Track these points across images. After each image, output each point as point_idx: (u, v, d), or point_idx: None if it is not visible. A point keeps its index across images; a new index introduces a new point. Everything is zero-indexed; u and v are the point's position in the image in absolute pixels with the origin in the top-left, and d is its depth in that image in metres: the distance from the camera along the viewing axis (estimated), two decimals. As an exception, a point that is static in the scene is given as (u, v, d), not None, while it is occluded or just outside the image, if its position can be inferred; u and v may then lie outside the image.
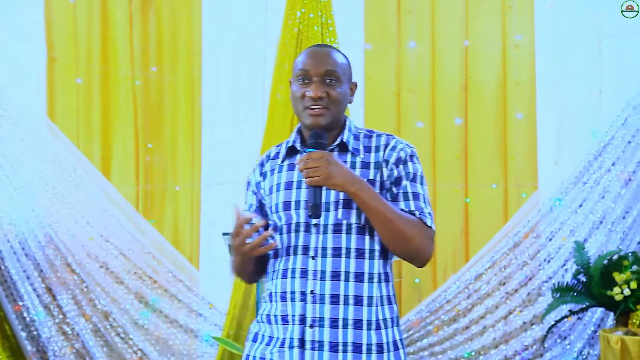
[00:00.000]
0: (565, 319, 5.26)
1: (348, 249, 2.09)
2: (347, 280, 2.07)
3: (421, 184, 2.18)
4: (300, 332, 2.07)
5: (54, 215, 5.40)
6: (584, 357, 5.33)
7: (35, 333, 5.31)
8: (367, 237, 2.10)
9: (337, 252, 2.08)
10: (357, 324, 2.06)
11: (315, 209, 2.01)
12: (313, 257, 2.09)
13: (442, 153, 5.96)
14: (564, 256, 5.44)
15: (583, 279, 4.98)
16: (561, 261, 5.45)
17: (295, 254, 2.10)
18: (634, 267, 4.78)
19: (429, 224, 2.12)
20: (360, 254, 2.10)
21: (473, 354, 5.52)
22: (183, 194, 6.02)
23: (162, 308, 5.60)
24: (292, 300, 2.08)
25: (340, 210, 2.10)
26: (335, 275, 2.07)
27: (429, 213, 2.14)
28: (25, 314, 5.28)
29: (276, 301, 2.12)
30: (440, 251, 5.92)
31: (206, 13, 5.95)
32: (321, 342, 2.05)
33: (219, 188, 5.82)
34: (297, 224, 2.12)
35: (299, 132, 2.24)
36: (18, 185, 5.30)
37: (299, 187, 2.14)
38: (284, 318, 2.09)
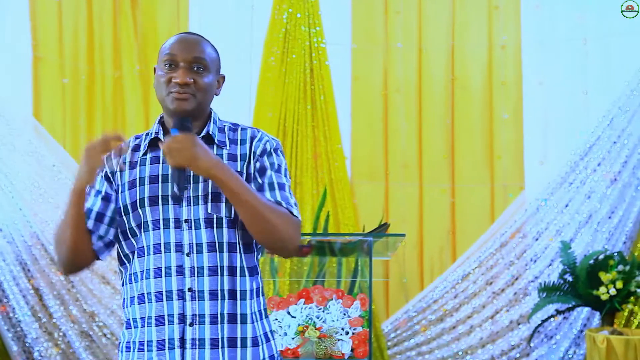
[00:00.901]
0: (552, 319, 5.28)
1: (221, 243, 2.04)
2: (222, 274, 2.03)
3: (285, 175, 2.15)
4: (180, 331, 2.00)
5: (40, 215, 5.38)
6: (570, 356, 5.36)
7: (21, 333, 5.28)
8: (237, 230, 2.06)
9: (212, 247, 2.03)
10: (234, 318, 2.03)
11: (179, 191, 1.96)
12: (188, 254, 2.02)
13: (429, 153, 5.98)
14: (550, 256, 5.47)
15: (569, 278, 5.00)
16: (547, 261, 5.48)
17: (168, 251, 2.02)
18: (620, 267, 4.81)
19: (295, 214, 2.08)
20: (232, 247, 2.06)
21: (460, 353, 5.54)
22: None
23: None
24: (169, 299, 2.00)
25: (209, 204, 2.04)
26: (213, 271, 2.02)
27: (295, 203, 2.12)
28: (11, 315, 5.24)
29: (150, 302, 2.02)
30: (427, 251, 5.93)
31: (193, 12, 5.93)
32: (202, 340, 2.00)
33: (206, 187, 5.80)
34: (166, 220, 2.04)
35: (161, 123, 2.16)
36: (4, 184, 5.26)
37: (165, 182, 2.06)
38: (160, 319, 2.00)
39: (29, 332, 5.26)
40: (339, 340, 3.68)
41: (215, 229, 2.04)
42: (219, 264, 2.03)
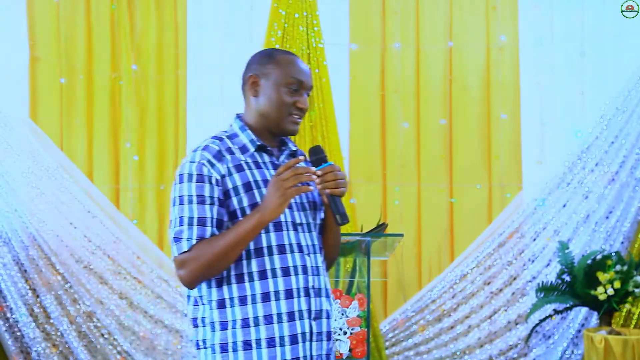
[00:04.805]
0: (549, 319, 5.29)
1: (319, 246, 2.28)
2: (325, 274, 2.27)
3: None
4: (309, 326, 2.15)
5: (37, 215, 5.37)
6: (568, 356, 5.37)
7: (18, 334, 5.27)
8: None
9: (319, 249, 2.26)
10: (331, 314, 2.26)
11: (346, 217, 2.16)
12: (308, 254, 2.19)
13: (427, 153, 5.98)
14: (548, 256, 5.47)
15: (567, 278, 5.01)
16: (545, 261, 5.48)
17: (293, 251, 2.16)
18: (618, 267, 4.81)
19: None
20: (320, 250, 2.29)
21: (458, 353, 5.54)
22: (168, 194, 5.97)
23: (147, 308, 5.57)
24: (299, 296, 2.14)
25: (308, 211, 2.26)
26: (323, 270, 2.25)
27: None
28: (8, 315, 5.24)
29: (278, 299, 2.12)
30: (426, 251, 5.93)
31: (191, 12, 5.92)
32: (320, 333, 2.19)
33: (203, 188, 5.79)
34: (286, 222, 2.17)
35: (250, 130, 2.26)
36: (1, 185, 5.26)
37: None
38: (291, 315, 2.12)
39: (27, 332, 5.25)
40: (337, 340, 3.68)
41: (314, 233, 2.27)
42: (321, 265, 2.26)
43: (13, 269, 5.25)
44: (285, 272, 2.13)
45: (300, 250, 2.17)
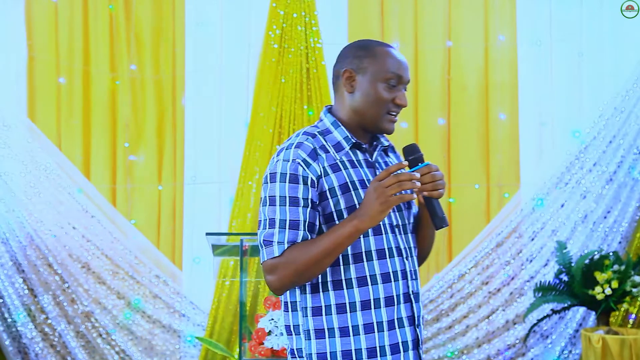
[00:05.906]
0: (547, 318, 5.28)
1: (414, 246, 2.16)
2: (419, 277, 2.13)
3: None
4: (412, 333, 2.03)
5: (34, 215, 5.37)
6: (566, 356, 5.37)
7: (16, 334, 5.27)
8: None
9: (415, 252, 2.14)
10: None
11: (444, 220, 2.02)
12: (407, 258, 2.06)
13: (425, 153, 5.79)
14: (546, 256, 5.47)
15: (565, 278, 5.01)
16: (543, 261, 5.48)
17: (392, 256, 2.02)
18: (615, 267, 4.81)
19: None
20: (415, 250, 2.16)
21: (456, 353, 5.54)
22: (166, 194, 5.99)
23: (145, 308, 5.57)
24: (399, 302, 2.01)
25: (404, 211, 2.13)
26: (418, 274, 2.12)
27: None
28: (6, 315, 5.24)
29: (378, 307, 1.98)
30: (424, 251, 5.92)
31: (189, 12, 5.92)
32: (420, 340, 2.07)
33: (201, 187, 5.80)
34: (384, 225, 2.04)
35: (343, 126, 2.12)
36: (-2, 185, 5.27)
37: None
38: (392, 323, 2.00)
39: (25, 333, 5.25)
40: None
41: (410, 235, 2.12)
42: (417, 268, 2.14)
43: (11, 269, 5.25)
44: (386, 278, 2.00)
45: (400, 254, 2.04)
